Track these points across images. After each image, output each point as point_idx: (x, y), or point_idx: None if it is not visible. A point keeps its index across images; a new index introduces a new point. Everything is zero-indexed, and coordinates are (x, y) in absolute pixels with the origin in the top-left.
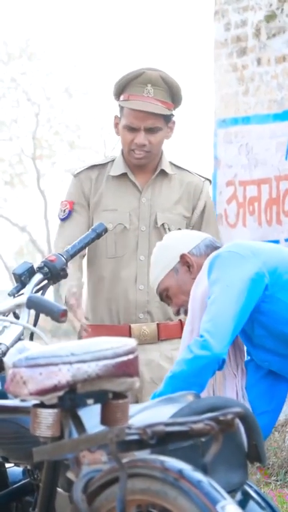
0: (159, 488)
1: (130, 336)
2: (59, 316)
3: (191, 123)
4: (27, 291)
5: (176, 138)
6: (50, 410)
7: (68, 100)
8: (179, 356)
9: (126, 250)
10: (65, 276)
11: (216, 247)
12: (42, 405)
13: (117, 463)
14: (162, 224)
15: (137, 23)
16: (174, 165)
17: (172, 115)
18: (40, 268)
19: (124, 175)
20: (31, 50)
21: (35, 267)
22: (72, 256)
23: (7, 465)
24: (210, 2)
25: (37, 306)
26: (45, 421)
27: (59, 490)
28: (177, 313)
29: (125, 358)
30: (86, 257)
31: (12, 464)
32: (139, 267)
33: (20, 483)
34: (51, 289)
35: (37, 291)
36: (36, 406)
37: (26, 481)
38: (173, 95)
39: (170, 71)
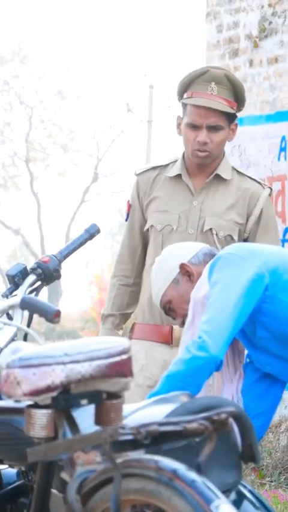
0: (154, 488)
1: (172, 337)
2: (52, 316)
3: None
4: (21, 292)
5: (170, 140)
6: (44, 411)
7: (61, 103)
8: (178, 356)
9: None
10: (59, 277)
11: (214, 255)
12: (36, 406)
13: (111, 463)
14: (210, 229)
15: (129, 25)
16: (237, 170)
17: (235, 116)
18: (33, 270)
19: (179, 176)
20: (24, 52)
21: (28, 268)
22: (65, 257)
23: (1, 467)
24: (202, 4)
25: (31, 307)
26: (39, 422)
27: (53, 491)
28: (183, 324)
29: (118, 359)
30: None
31: (6, 466)
32: None
33: (14, 484)
34: (45, 289)
35: (30, 292)
36: (30, 406)
37: (20, 482)
38: (236, 94)
39: (163, 73)
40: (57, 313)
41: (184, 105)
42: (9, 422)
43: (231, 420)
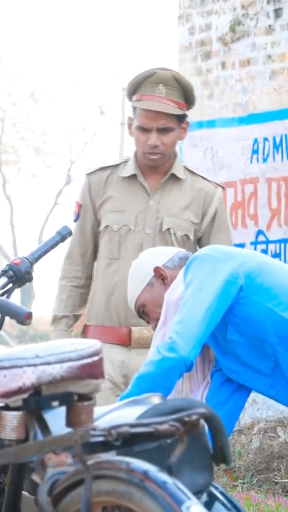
0: (125, 490)
1: (130, 339)
2: (24, 318)
3: None
4: None
5: None
6: (15, 413)
7: (34, 105)
8: (149, 358)
9: (130, 252)
10: (30, 279)
11: None
12: (6, 408)
13: (82, 464)
14: (168, 229)
15: (102, 27)
16: (189, 170)
17: (185, 115)
18: (5, 272)
19: (134, 176)
20: None
21: (0, 270)
22: (37, 259)
23: None
24: (174, 6)
25: (2, 309)
26: (10, 424)
27: (24, 493)
28: (156, 328)
29: (89, 360)
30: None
31: None
32: None
33: None
34: (17, 292)
35: (2, 295)
36: (0, 408)
37: None
38: (186, 95)
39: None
40: (29, 315)
41: (134, 108)
42: None
43: (202, 422)
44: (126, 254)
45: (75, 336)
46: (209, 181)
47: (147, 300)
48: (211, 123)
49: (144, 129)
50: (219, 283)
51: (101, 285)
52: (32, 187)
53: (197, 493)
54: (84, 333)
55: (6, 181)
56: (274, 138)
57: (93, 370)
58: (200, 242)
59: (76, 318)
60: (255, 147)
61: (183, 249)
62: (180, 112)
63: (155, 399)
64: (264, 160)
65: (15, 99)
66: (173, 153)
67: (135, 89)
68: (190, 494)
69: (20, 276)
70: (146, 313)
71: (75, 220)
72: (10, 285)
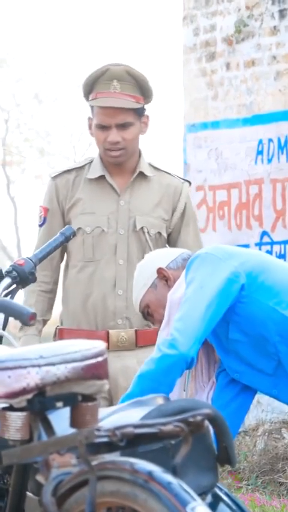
0: (129, 491)
1: (108, 342)
2: (28, 319)
3: (160, 128)
4: None
5: (145, 143)
6: (19, 413)
7: (38, 106)
8: (151, 356)
9: (105, 254)
10: (34, 280)
11: None
12: (11, 408)
13: (86, 465)
14: (142, 228)
15: (105, 28)
16: (153, 166)
17: (144, 109)
18: (8, 272)
19: (102, 177)
20: (0, 56)
21: (4, 271)
22: (41, 260)
23: None
24: (179, 7)
25: (6, 310)
26: (14, 424)
27: (29, 494)
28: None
29: (93, 361)
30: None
31: None
32: (118, 271)
33: None
34: (21, 294)
35: (6, 295)
36: (5, 409)
37: None
38: (141, 88)
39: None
40: (33, 316)
41: (91, 107)
42: None
43: (207, 422)
44: (101, 256)
45: (44, 340)
46: (175, 176)
47: (151, 301)
48: (216, 124)
49: (103, 127)
50: (220, 281)
51: (76, 288)
52: (36, 188)
53: (202, 494)
54: (57, 337)
55: (10, 182)
56: (279, 139)
57: (97, 371)
58: (169, 238)
59: (44, 322)
60: (260, 148)
61: (187, 250)
62: (137, 106)
63: (159, 400)
64: (269, 161)
65: (19, 100)
66: (137, 150)
67: (90, 88)
68: (195, 495)
69: (23, 276)
70: (151, 314)
71: (41, 225)
72: (14, 286)
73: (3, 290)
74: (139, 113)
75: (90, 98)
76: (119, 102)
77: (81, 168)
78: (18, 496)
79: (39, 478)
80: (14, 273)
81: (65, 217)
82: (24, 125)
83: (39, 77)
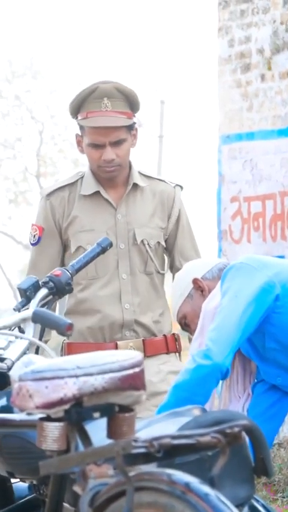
0: (167, 502)
1: None
2: (65, 329)
3: (195, 140)
4: (33, 306)
5: (181, 155)
6: (56, 424)
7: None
8: (185, 366)
9: (107, 270)
10: (71, 290)
11: None
12: (48, 419)
13: (123, 476)
14: (142, 240)
15: (140, 40)
16: (144, 175)
17: (134, 123)
18: (45, 283)
19: (96, 193)
20: (35, 68)
21: (40, 281)
22: (78, 270)
23: (13, 480)
24: (214, 19)
25: (43, 320)
26: (52, 435)
27: (65, 504)
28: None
29: (131, 371)
30: None
31: (17, 480)
32: (122, 286)
33: (25, 499)
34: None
35: (42, 306)
36: (42, 419)
37: (31, 496)
38: (131, 103)
39: (174, 88)
40: (70, 326)
41: (81, 126)
42: (21, 436)
43: (244, 434)
44: (104, 273)
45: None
46: (167, 182)
47: (188, 312)
48: (250, 135)
49: (96, 146)
50: (254, 290)
51: (81, 306)
52: None
53: (239, 506)
54: (65, 351)
55: None
56: None
57: (134, 382)
58: (166, 243)
59: (45, 342)
60: None
61: (223, 260)
62: (129, 122)
63: (196, 411)
64: None
65: (53, 112)
66: (128, 163)
67: (78, 107)
68: (232, 507)
69: (60, 287)
70: (188, 324)
71: (35, 244)
72: (50, 297)
73: (40, 301)
74: (130, 127)
75: (80, 118)
76: (111, 120)
77: (74, 184)
78: (55, 506)
79: (76, 488)
80: (51, 283)
81: (62, 236)
82: (58, 136)
83: (73, 88)
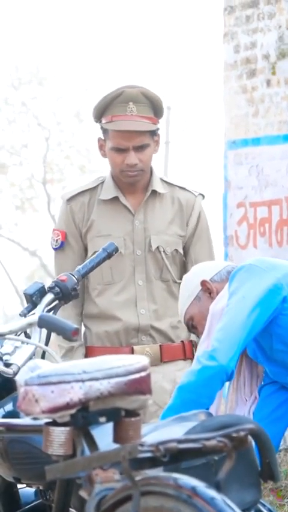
0: (173, 506)
1: None
2: (71, 334)
3: (201, 145)
4: (39, 311)
5: (187, 160)
6: (62, 428)
7: (79, 124)
8: (190, 367)
9: (124, 275)
10: (76, 296)
11: None
12: (54, 423)
13: (130, 480)
14: (157, 247)
15: (146, 46)
16: (166, 182)
17: (157, 128)
18: (51, 288)
19: (115, 198)
20: (42, 74)
21: (46, 287)
22: (83, 275)
23: (19, 486)
24: (219, 25)
25: (49, 325)
26: (58, 439)
27: (72, 510)
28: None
29: (137, 376)
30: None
31: (24, 485)
32: (138, 292)
33: (32, 504)
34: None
35: (48, 311)
36: (48, 424)
37: (38, 502)
38: (155, 109)
39: (180, 94)
40: (76, 331)
41: (105, 129)
42: (26, 441)
43: (250, 438)
44: (119, 278)
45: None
46: (188, 190)
47: (195, 314)
48: (256, 141)
49: (120, 150)
50: (262, 292)
51: (97, 310)
52: None
53: (245, 511)
54: (87, 355)
55: (51, 200)
56: None
57: (140, 386)
58: (183, 251)
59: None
60: None
61: (232, 263)
62: (153, 127)
63: (202, 416)
64: None
65: (60, 119)
66: (150, 169)
67: (103, 110)
68: (239, 511)
69: (66, 292)
70: (195, 326)
71: (57, 249)
72: (56, 302)
73: (46, 306)
74: (153, 133)
75: (104, 121)
76: (136, 125)
77: (94, 188)
78: (61, 511)
79: (83, 493)
80: (57, 288)
81: (83, 240)
82: (65, 142)
83: (80, 95)
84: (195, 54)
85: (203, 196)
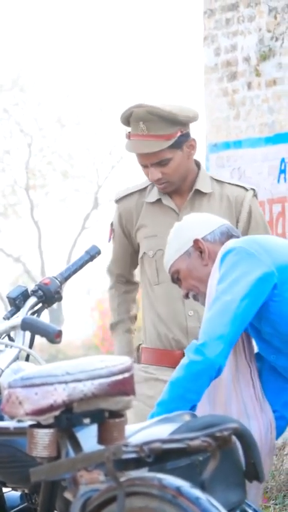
0: (157, 506)
1: None
2: (54, 336)
3: None
4: (22, 314)
5: None
6: (47, 430)
7: (61, 130)
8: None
9: (168, 276)
10: (60, 298)
11: (232, 236)
12: (38, 425)
13: (114, 481)
14: None
15: (127, 50)
16: (216, 180)
17: (185, 136)
18: (34, 292)
19: (160, 200)
20: (23, 81)
21: (29, 290)
22: (66, 278)
23: (4, 489)
24: (199, 28)
25: (32, 327)
26: (42, 441)
27: None
28: (186, 296)
29: (120, 377)
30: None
31: (9, 489)
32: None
33: (17, 508)
34: (46, 316)
35: (32, 314)
36: (32, 426)
37: (23, 505)
38: (172, 121)
39: (160, 98)
40: (59, 333)
41: None
42: (11, 444)
43: (234, 438)
44: (164, 279)
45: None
46: (239, 185)
47: (182, 269)
48: (238, 144)
49: (142, 165)
50: (251, 281)
51: (148, 310)
52: (60, 212)
53: (230, 511)
54: (139, 352)
55: (34, 206)
56: None
57: (124, 387)
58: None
59: (131, 319)
60: (283, 167)
61: (226, 222)
62: (168, 143)
63: (186, 417)
64: None
65: (42, 125)
66: (190, 171)
67: (124, 123)
68: (224, 511)
69: (49, 295)
70: (180, 279)
71: (109, 241)
72: (40, 305)
73: (30, 309)
74: (177, 145)
75: (126, 133)
76: (146, 146)
77: (144, 189)
78: None
79: (67, 495)
80: (40, 292)
81: (133, 241)
82: (47, 148)
83: (61, 101)
84: (176, 57)
85: (254, 190)
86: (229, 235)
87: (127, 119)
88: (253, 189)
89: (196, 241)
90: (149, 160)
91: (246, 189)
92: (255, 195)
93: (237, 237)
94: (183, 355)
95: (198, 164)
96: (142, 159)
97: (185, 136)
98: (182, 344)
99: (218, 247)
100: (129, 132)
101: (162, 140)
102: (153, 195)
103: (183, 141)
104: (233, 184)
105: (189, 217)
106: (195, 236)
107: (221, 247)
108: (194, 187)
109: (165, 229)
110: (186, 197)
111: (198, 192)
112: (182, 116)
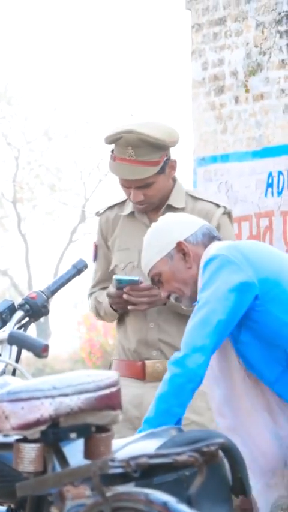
0: None
1: (144, 372)
2: (40, 351)
3: None
4: (9, 328)
5: None
6: (33, 445)
7: (48, 143)
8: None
9: None
10: (47, 312)
11: (213, 237)
12: (25, 440)
13: (101, 496)
14: None
15: (115, 64)
16: (191, 196)
17: (167, 160)
18: (21, 306)
19: (133, 213)
20: (10, 94)
21: (16, 304)
22: (53, 292)
23: None
24: (187, 42)
25: (19, 342)
26: (28, 456)
27: None
28: (167, 298)
29: (107, 391)
30: None
31: None
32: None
33: None
34: (34, 330)
35: (19, 328)
36: (18, 441)
37: None
38: (159, 148)
39: (147, 112)
40: (45, 348)
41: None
42: None
43: (221, 453)
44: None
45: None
46: (212, 202)
47: (164, 271)
48: (225, 158)
49: (124, 186)
50: (232, 292)
51: (117, 322)
52: (47, 225)
53: None
54: (110, 367)
55: (21, 219)
56: None
57: (111, 401)
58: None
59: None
60: (270, 181)
61: (206, 223)
62: (154, 170)
63: (172, 432)
64: (279, 193)
65: (29, 138)
66: (167, 189)
67: (110, 144)
68: None
69: (36, 309)
70: (161, 282)
71: (94, 260)
72: (26, 319)
73: (16, 323)
74: (161, 170)
75: (111, 155)
76: (134, 171)
77: (123, 203)
78: None
79: (54, 510)
80: (27, 306)
81: (110, 253)
82: (34, 161)
83: (48, 114)
84: (164, 71)
85: (225, 208)
86: (211, 237)
87: (114, 141)
88: (225, 207)
89: (179, 244)
90: (133, 184)
91: (218, 206)
92: (226, 213)
93: (218, 238)
94: (142, 365)
95: (174, 179)
96: (126, 182)
97: (168, 159)
98: (143, 355)
99: (201, 248)
100: (114, 154)
101: (149, 166)
102: (127, 207)
103: (166, 164)
104: (206, 201)
105: (167, 218)
106: (177, 238)
107: (203, 249)
108: (167, 203)
109: (136, 242)
110: (159, 212)
111: (171, 207)
112: (169, 142)
